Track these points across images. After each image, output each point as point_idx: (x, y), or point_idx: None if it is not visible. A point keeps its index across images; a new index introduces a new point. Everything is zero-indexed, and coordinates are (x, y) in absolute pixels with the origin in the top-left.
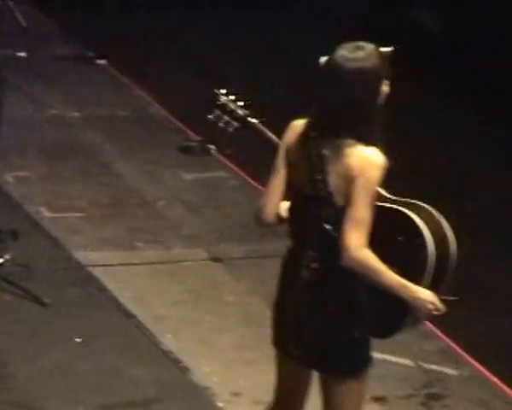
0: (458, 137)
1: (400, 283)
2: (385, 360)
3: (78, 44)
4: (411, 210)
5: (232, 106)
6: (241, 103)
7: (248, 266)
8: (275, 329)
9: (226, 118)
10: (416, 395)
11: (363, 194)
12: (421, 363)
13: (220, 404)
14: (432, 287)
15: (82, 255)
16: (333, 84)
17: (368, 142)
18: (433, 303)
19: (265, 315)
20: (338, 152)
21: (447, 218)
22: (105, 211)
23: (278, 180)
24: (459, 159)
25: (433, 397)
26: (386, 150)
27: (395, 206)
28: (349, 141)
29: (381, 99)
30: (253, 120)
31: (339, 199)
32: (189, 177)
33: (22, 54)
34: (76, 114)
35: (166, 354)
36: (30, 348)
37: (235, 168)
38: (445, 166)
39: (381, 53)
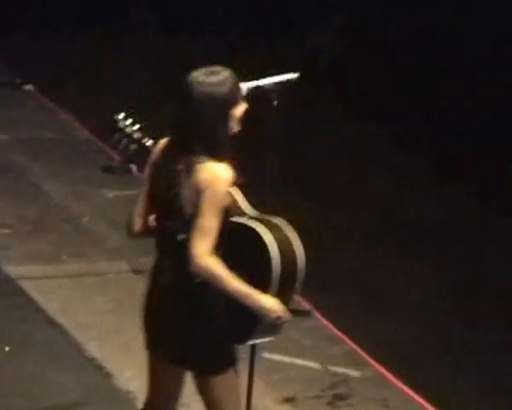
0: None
1: (245, 290)
2: (293, 364)
3: (5, 70)
4: (265, 227)
5: (128, 129)
6: (138, 126)
7: None
8: (145, 332)
9: (125, 141)
10: (323, 396)
11: (210, 205)
12: (327, 366)
13: (140, 406)
14: (280, 297)
15: (10, 269)
16: (185, 105)
17: (218, 159)
18: (276, 311)
19: None
20: (190, 167)
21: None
22: (32, 227)
23: (143, 194)
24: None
25: (339, 397)
26: (239, 166)
27: (249, 223)
28: (201, 158)
29: (234, 121)
30: (149, 143)
31: (190, 211)
32: (111, 194)
33: None
34: (4, 136)
35: (90, 361)
36: None
37: None
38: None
39: (234, 79)
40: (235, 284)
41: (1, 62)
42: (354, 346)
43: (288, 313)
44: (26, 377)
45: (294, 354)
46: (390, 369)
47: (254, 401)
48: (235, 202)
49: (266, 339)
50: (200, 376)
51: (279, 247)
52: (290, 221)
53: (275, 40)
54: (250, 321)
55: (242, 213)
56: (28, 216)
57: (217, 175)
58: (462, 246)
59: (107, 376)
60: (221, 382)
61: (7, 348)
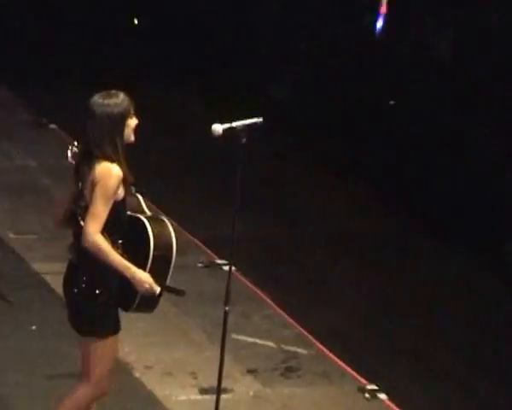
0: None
1: (124, 264)
2: (255, 343)
3: (34, 112)
4: (152, 221)
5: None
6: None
7: None
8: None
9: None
10: (277, 369)
11: (100, 195)
12: (281, 345)
13: (137, 375)
14: (153, 275)
15: (36, 266)
16: (90, 121)
17: (113, 160)
18: (146, 283)
19: (171, 311)
20: (90, 167)
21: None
22: (53, 234)
23: (64, 195)
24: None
25: (290, 370)
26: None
27: (141, 217)
28: (100, 160)
29: (129, 131)
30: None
31: (88, 200)
32: None
33: None
34: (33, 163)
35: None
36: None
37: None
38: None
39: (127, 100)
40: (116, 258)
41: (30, 106)
42: (302, 330)
43: (158, 288)
44: (47, 350)
45: (256, 335)
46: (330, 348)
47: (225, 372)
48: (138, 203)
49: (146, 311)
50: (83, 338)
51: (158, 236)
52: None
53: (246, 91)
54: (132, 293)
55: (142, 212)
56: (50, 226)
57: (108, 171)
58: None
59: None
60: (98, 345)
61: (33, 327)
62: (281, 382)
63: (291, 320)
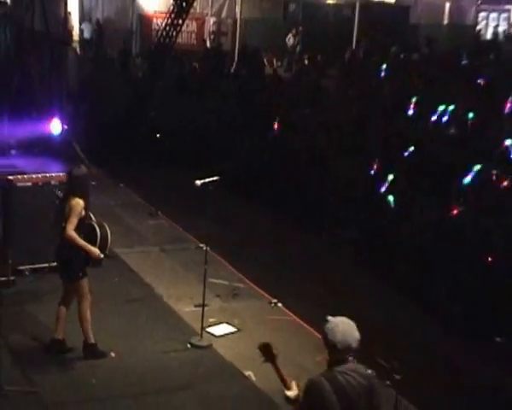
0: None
1: (86, 245)
2: (220, 282)
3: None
4: (96, 224)
5: None
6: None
7: None
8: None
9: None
10: (230, 294)
11: (73, 213)
12: (232, 283)
13: (164, 299)
14: (100, 249)
15: (117, 250)
16: (69, 179)
17: (79, 197)
18: (96, 253)
19: (180, 270)
20: (68, 199)
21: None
22: (123, 234)
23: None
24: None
25: (236, 295)
26: None
27: (91, 222)
28: (73, 197)
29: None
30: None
31: (66, 215)
32: (151, 222)
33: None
34: (112, 201)
35: (148, 286)
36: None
37: None
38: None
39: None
40: (81, 242)
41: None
42: (242, 276)
43: (102, 255)
44: (122, 288)
45: (220, 279)
46: (255, 283)
47: (206, 297)
48: (86, 213)
49: (96, 266)
50: (66, 283)
51: (100, 231)
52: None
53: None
54: (88, 258)
55: (90, 218)
56: (120, 231)
57: (76, 202)
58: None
59: (153, 289)
60: (77, 285)
61: (116, 279)
62: (232, 301)
63: (234, 270)
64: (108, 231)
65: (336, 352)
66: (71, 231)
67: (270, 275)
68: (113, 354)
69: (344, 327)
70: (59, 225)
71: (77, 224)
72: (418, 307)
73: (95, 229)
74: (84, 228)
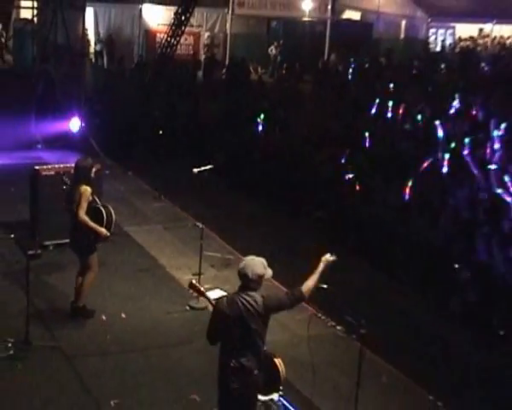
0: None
1: (95, 227)
2: (214, 255)
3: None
4: (102, 206)
5: None
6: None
7: None
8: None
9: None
10: (223, 264)
11: (83, 199)
12: (224, 255)
13: (167, 269)
14: (106, 228)
15: (126, 228)
16: (76, 172)
17: (86, 184)
18: (105, 233)
19: (179, 245)
20: (77, 188)
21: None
22: (132, 218)
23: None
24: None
25: (227, 264)
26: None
27: (98, 205)
28: (81, 184)
29: (92, 174)
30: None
31: (77, 201)
32: (156, 205)
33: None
34: (121, 187)
35: (153, 258)
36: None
37: None
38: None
39: (90, 161)
40: (92, 224)
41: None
42: (231, 249)
43: (108, 233)
44: (136, 258)
45: (215, 252)
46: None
47: (202, 268)
48: (93, 198)
49: (104, 242)
50: (80, 257)
51: (106, 213)
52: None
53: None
54: (97, 236)
55: (96, 202)
56: (129, 212)
57: (85, 189)
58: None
59: (157, 261)
60: (90, 257)
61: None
62: (224, 270)
63: (225, 244)
64: (113, 213)
65: (240, 278)
66: (83, 215)
67: (255, 248)
68: (123, 315)
69: (248, 262)
70: (70, 209)
71: (87, 208)
72: (380, 271)
73: (101, 211)
74: (92, 211)
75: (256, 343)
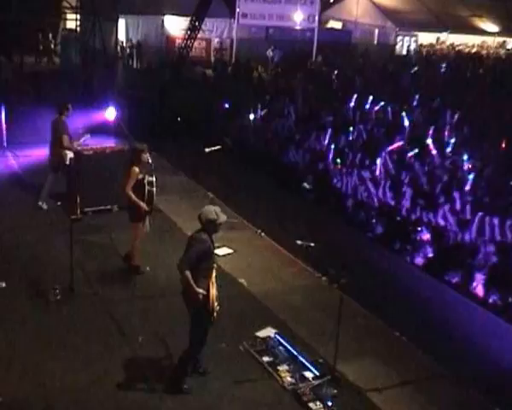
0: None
1: (137, 201)
2: None
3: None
4: (147, 185)
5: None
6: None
7: None
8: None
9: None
10: (229, 227)
11: (131, 178)
12: (227, 220)
13: (188, 234)
14: (146, 203)
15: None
16: (131, 153)
17: (136, 166)
18: (143, 207)
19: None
20: (129, 166)
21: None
22: (170, 202)
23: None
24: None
25: (232, 228)
26: None
27: (144, 183)
28: (132, 165)
29: (146, 158)
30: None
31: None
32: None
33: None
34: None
35: (172, 221)
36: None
37: None
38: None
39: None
40: (134, 198)
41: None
42: (236, 214)
43: (147, 208)
44: (163, 230)
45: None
46: (246, 219)
47: None
48: (143, 177)
49: (147, 214)
50: (131, 221)
51: (148, 191)
52: None
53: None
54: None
55: (144, 181)
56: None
57: (133, 170)
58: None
59: (177, 225)
60: (134, 225)
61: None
62: (230, 232)
63: (231, 211)
64: (155, 191)
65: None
66: (128, 190)
67: (256, 214)
68: (148, 269)
69: (203, 210)
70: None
71: (134, 184)
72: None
73: (144, 190)
74: (139, 188)
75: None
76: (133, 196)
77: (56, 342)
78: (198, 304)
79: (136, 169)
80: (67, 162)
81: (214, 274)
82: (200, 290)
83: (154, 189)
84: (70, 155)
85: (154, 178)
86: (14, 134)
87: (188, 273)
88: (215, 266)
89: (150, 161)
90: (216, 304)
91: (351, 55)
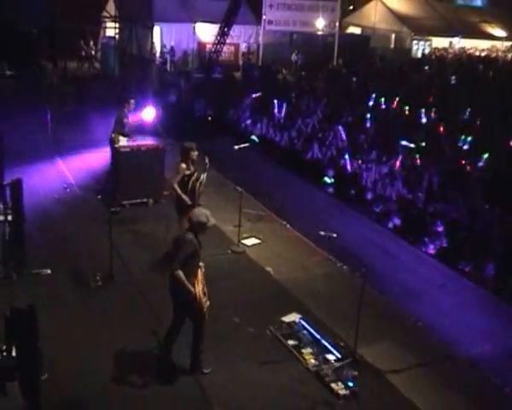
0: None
1: (181, 195)
2: (250, 212)
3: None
4: (193, 181)
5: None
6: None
7: None
8: None
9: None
10: (259, 220)
11: (177, 173)
12: (259, 212)
13: (218, 225)
14: (189, 198)
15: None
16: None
17: (184, 162)
18: (185, 201)
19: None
20: (177, 163)
21: None
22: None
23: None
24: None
25: (260, 219)
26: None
27: (191, 179)
28: (180, 162)
29: (194, 156)
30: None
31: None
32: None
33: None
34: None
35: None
36: None
37: None
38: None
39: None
40: (179, 192)
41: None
42: (264, 207)
43: (190, 202)
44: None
45: (251, 209)
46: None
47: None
48: (190, 174)
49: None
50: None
51: (190, 187)
52: None
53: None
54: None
55: (191, 177)
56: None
57: (180, 166)
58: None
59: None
60: (180, 217)
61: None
62: (257, 223)
63: (259, 203)
64: (197, 188)
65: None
66: (174, 184)
67: (282, 206)
68: None
69: (194, 212)
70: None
71: (180, 179)
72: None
73: (188, 185)
74: (186, 183)
75: None
76: (178, 190)
77: (96, 325)
78: (188, 299)
79: (184, 165)
80: (116, 145)
81: (200, 272)
82: (192, 289)
83: (198, 185)
84: (123, 141)
85: (204, 176)
86: (59, 135)
87: (180, 273)
88: (201, 264)
89: (207, 160)
90: (204, 300)
91: (369, 58)
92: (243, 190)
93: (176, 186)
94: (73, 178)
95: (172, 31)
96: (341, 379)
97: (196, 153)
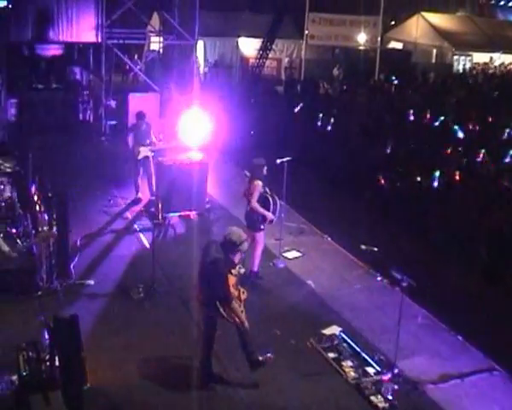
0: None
1: (264, 212)
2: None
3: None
4: (269, 196)
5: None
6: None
7: None
8: None
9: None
10: (297, 228)
11: (255, 191)
12: (299, 224)
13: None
14: (272, 213)
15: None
16: (251, 168)
17: (259, 179)
18: (270, 217)
19: None
20: (252, 182)
21: None
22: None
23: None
24: None
25: (301, 231)
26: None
27: (267, 195)
28: (255, 179)
29: (265, 171)
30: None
31: (251, 191)
32: None
33: None
34: None
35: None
36: None
37: None
38: None
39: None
40: (261, 210)
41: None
42: (304, 219)
43: (274, 218)
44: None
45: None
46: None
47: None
48: (265, 190)
49: (270, 223)
50: (253, 233)
51: (272, 201)
52: None
53: None
54: (265, 219)
55: (267, 192)
56: (228, 193)
57: (257, 183)
58: None
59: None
60: (258, 235)
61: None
62: (299, 236)
63: (300, 217)
64: (278, 202)
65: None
66: (254, 203)
67: (323, 220)
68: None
69: (235, 230)
70: (247, 197)
71: (258, 197)
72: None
73: (269, 200)
74: (263, 200)
75: None
76: (259, 208)
77: (138, 337)
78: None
79: (260, 183)
80: (139, 158)
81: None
82: (246, 322)
83: (277, 200)
84: (144, 153)
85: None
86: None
87: (236, 305)
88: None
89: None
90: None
91: (411, 72)
92: (284, 204)
93: (257, 205)
94: (117, 189)
95: (216, 45)
96: (381, 392)
97: (266, 168)
